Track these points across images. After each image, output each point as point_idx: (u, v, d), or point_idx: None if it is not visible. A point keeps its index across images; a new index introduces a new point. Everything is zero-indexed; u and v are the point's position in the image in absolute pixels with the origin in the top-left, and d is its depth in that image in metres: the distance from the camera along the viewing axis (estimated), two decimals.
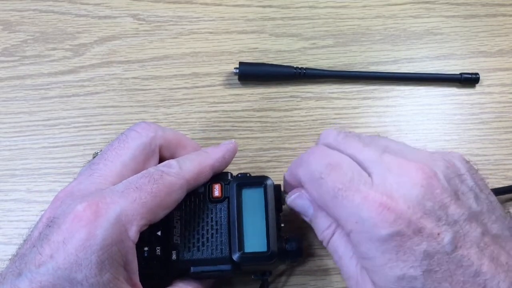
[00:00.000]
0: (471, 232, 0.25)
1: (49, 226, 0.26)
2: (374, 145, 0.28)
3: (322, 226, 0.29)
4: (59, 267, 0.24)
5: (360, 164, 0.27)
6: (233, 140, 0.34)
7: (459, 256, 0.24)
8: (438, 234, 0.24)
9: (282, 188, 0.33)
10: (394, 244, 0.24)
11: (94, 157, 0.31)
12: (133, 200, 0.26)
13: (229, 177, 0.33)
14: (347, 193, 0.26)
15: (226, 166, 0.33)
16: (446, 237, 0.24)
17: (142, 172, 0.29)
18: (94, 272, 0.24)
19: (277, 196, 0.32)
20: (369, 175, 0.26)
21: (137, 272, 0.27)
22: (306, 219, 0.31)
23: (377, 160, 0.27)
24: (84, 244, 0.24)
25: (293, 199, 0.31)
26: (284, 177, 0.32)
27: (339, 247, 0.28)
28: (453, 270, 0.24)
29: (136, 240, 0.26)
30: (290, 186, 0.32)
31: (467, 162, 0.28)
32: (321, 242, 0.30)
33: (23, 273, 0.24)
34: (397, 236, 0.24)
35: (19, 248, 0.27)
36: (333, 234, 0.29)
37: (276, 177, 0.33)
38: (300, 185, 0.30)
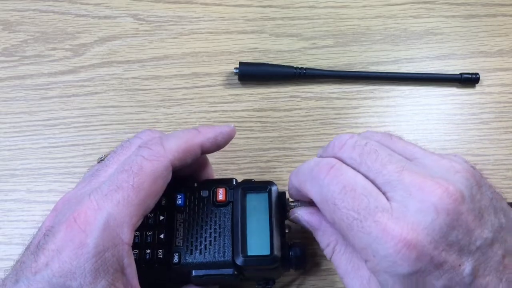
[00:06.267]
0: (492, 257, 0.23)
1: (46, 235, 0.26)
2: (394, 160, 0.25)
3: (322, 243, 0.29)
4: (54, 275, 0.24)
5: (377, 186, 0.25)
6: (232, 124, 0.33)
7: (477, 286, 0.23)
8: (459, 265, 0.23)
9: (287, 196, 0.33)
10: (413, 280, 0.23)
11: (98, 162, 0.31)
12: (118, 203, 0.26)
13: (234, 183, 0.33)
14: (363, 223, 0.24)
15: (218, 149, 0.31)
16: (467, 268, 0.23)
17: (120, 163, 0.28)
18: (88, 280, 0.24)
19: (282, 203, 0.32)
20: (388, 199, 0.24)
21: (136, 275, 0.27)
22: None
23: (396, 181, 0.24)
24: (77, 252, 0.24)
25: (293, 218, 0.31)
26: (288, 189, 0.31)
27: (339, 266, 0.28)
28: None
29: (131, 241, 0.26)
30: (295, 195, 0.31)
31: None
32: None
33: (20, 280, 0.25)
34: (417, 273, 0.23)
35: (20, 255, 0.27)
36: (332, 253, 0.28)
37: (276, 177, 0.33)
38: (305, 198, 0.30)
